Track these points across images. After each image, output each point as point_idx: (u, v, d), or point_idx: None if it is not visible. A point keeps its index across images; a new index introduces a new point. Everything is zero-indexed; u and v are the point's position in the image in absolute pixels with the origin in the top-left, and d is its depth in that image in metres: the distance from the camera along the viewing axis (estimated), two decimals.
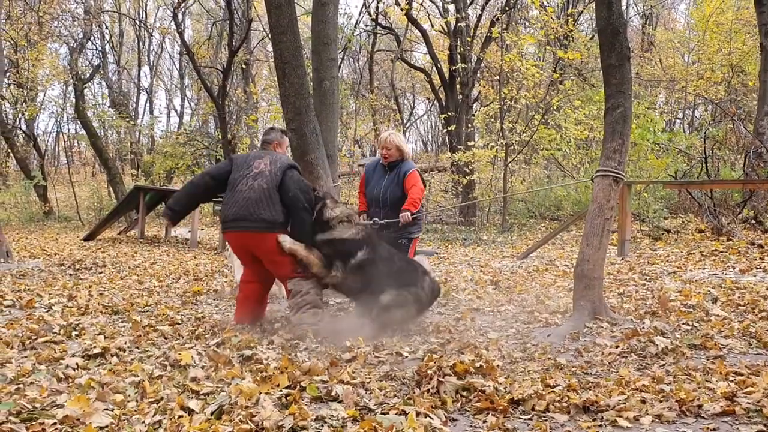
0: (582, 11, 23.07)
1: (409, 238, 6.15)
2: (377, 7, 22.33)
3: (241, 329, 5.28)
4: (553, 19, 19.03)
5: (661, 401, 3.41)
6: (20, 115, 26.95)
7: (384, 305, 5.24)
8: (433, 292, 5.59)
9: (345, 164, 23.77)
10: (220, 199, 5.62)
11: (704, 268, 8.51)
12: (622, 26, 5.49)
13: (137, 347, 4.67)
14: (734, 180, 13.05)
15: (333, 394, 3.56)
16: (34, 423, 3.07)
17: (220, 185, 5.56)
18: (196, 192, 5.70)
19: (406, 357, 4.53)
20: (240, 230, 5.30)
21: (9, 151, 26.29)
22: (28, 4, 22.95)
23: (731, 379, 3.74)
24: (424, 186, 6.27)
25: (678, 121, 25.18)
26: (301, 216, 5.33)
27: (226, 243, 7.52)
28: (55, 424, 3.06)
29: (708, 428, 3.13)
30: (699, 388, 3.61)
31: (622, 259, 9.74)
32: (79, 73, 25.67)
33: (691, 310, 5.76)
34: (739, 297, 6.30)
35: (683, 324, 5.22)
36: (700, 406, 3.33)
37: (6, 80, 22.99)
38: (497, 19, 19.98)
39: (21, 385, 3.60)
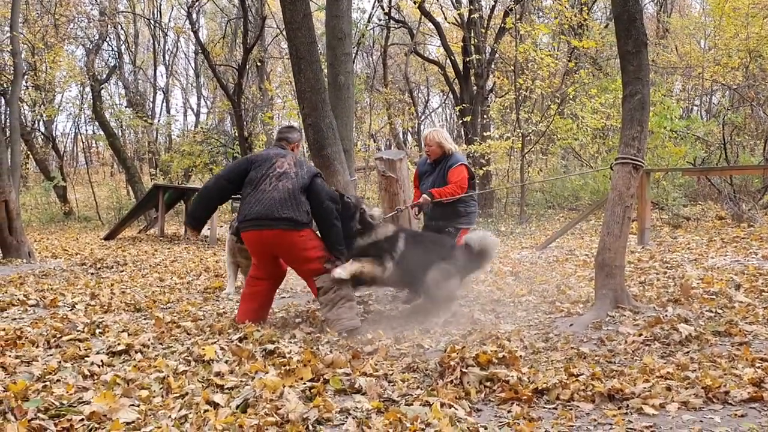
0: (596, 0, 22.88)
1: (456, 227, 6.20)
2: (390, 1, 22.28)
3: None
4: (567, 8, 18.87)
5: (686, 388, 3.39)
6: (39, 117, 27.19)
7: (431, 283, 5.49)
8: (470, 256, 5.72)
9: (361, 159, 23.76)
10: (239, 196, 5.55)
11: (726, 255, 8.42)
12: (638, 12, 5.44)
13: (161, 343, 4.71)
14: (754, 165, 12.93)
15: (356, 386, 3.57)
16: (62, 419, 3.10)
17: (237, 187, 5.46)
18: (213, 197, 5.56)
19: (428, 349, 4.54)
20: (262, 229, 5.18)
21: (29, 153, 26.53)
22: (45, 7, 23.13)
23: (758, 365, 3.71)
24: (472, 177, 6.28)
25: (695, 107, 24.91)
26: (335, 229, 5.30)
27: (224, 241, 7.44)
28: (82, 420, 3.10)
29: (735, 414, 3.11)
30: (725, 374, 3.58)
31: (643, 247, 9.68)
32: (96, 74, 25.86)
33: (714, 297, 5.70)
34: (762, 283, 6.24)
35: (706, 311, 5.17)
36: (726, 393, 3.31)
37: (24, 83, 23.21)
38: (511, 10, 19.85)
39: (48, 383, 3.64)
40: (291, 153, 5.55)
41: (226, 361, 4.10)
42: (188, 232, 5.66)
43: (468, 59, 20.03)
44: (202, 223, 5.69)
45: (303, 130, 6.63)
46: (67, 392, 3.46)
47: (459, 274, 5.68)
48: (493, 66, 21.68)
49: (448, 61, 21.82)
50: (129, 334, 4.89)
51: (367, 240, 5.48)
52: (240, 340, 4.70)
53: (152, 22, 30.99)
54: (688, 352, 4.17)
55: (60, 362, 4.11)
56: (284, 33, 7.47)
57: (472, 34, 20.02)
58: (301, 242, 5.20)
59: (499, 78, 22.99)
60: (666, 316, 4.94)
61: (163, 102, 36.43)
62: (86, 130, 36.26)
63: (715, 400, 3.29)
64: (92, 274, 9.25)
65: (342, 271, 5.19)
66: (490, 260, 6.06)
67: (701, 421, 3.07)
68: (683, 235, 10.95)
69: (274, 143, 5.83)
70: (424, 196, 6.05)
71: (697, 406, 3.22)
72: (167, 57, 35.58)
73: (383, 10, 22.43)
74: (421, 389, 3.57)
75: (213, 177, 5.75)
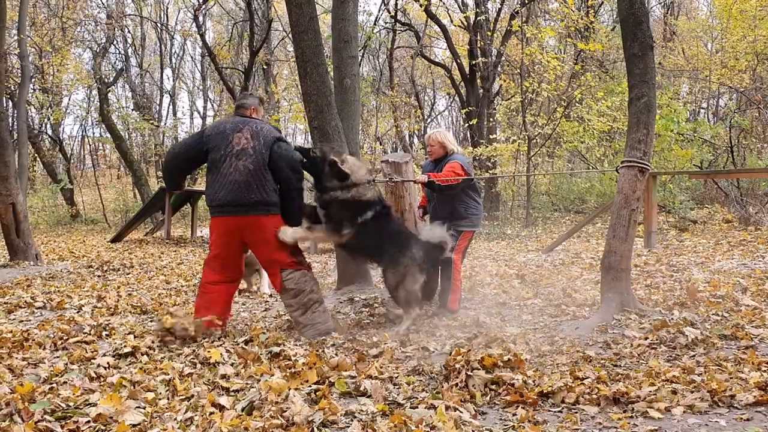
0: (602, 2, 22.85)
1: (458, 230, 6.09)
2: (396, 4, 22.29)
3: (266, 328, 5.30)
4: (573, 11, 18.87)
5: (692, 392, 3.38)
6: (46, 120, 27.32)
7: (392, 286, 5.41)
8: (426, 250, 5.48)
9: (367, 161, 23.77)
10: None
11: (733, 258, 8.40)
12: (644, 15, 5.44)
13: (167, 346, 4.72)
14: (761, 168, 12.88)
15: (362, 389, 3.57)
16: (68, 421, 3.12)
17: (198, 163, 5.27)
18: (175, 176, 5.37)
19: (433, 352, 4.54)
20: (231, 215, 4.94)
21: (36, 155, 26.64)
22: (52, 11, 23.24)
23: (764, 369, 3.70)
24: (469, 176, 6.22)
25: (702, 110, 24.85)
26: (292, 202, 5.06)
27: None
28: (88, 422, 3.11)
29: (741, 418, 3.10)
30: (731, 378, 3.57)
31: (649, 250, 9.65)
32: (103, 76, 25.96)
33: (720, 300, 5.69)
34: None
35: (713, 314, 5.16)
36: (732, 396, 3.30)
37: (31, 86, 23.31)
38: (517, 13, 19.85)
39: (54, 385, 3.66)
40: (248, 122, 5.09)
41: (232, 364, 4.11)
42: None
43: (474, 62, 20.02)
44: (180, 186, 5.49)
45: (309, 133, 6.58)
46: (74, 394, 3.48)
47: (418, 271, 5.42)
48: (499, 69, 21.67)
49: (455, 64, 21.81)
50: (135, 337, 4.90)
51: (344, 195, 5.19)
52: (246, 342, 4.71)
53: (159, 25, 31.09)
54: (694, 355, 4.16)
55: (67, 364, 4.13)
56: (290, 36, 7.48)
57: (479, 37, 20.02)
58: (272, 226, 4.98)
59: (505, 81, 22.98)
60: (672, 319, 4.93)
61: (169, 105, 36.60)
62: (93, 133, 36.39)
63: (721, 403, 3.28)
64: (99, 276, 9.29)
65: (287, 233, 5.00)
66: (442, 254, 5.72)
67: (707, 424, 3.06)
68: (690, 239, 10.92)
69: (234, 113, 5.43)
70: (422, 176, 5.98)
71: (702, 409, 3.21)
72: (174, 60, 35.72)
73: (389, 13, 22.44)
74: (427, 392, 3.57)
75: (169, 153, 5.49)
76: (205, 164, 5.15)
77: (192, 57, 38.85)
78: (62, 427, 3.05)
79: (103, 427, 3.07)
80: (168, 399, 3.48)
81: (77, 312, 6.19)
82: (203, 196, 6.10)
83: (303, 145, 5.53)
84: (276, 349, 4.37)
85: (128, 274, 9.52)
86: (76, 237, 18.58)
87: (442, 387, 3.63)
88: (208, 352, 4.26)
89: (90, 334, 5.06)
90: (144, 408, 3.30)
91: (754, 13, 17.61)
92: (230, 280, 5.22)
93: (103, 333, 5.14)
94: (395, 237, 5.44)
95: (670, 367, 3.87)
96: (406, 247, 5.41)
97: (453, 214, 6.05)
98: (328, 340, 4.86)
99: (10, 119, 19.20)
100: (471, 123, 20.12)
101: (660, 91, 17.16)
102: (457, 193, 6.01)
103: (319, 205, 5.29)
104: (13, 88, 20.46)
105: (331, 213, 5.23)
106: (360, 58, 17.08)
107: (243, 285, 7.94)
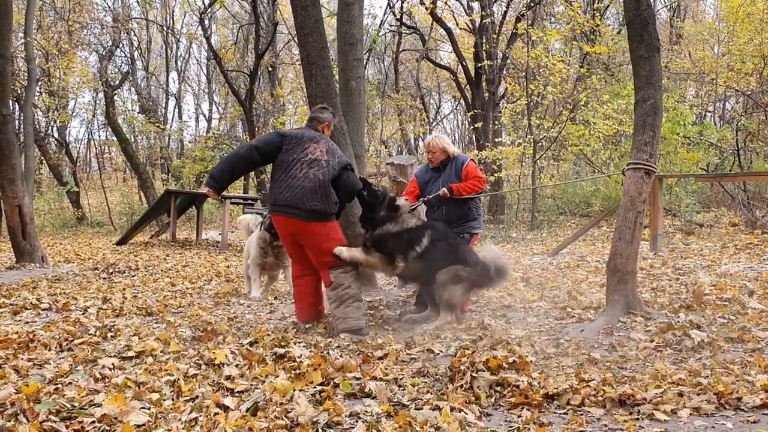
0: (608, 5, 22.83)
1: (471, 233, 6.14)
2: (402, 7, 22.33)
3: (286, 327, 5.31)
4: (579, 14, 18.85)
5: (698, 394, 3.37)
6: (52, 123, 27.43)
7: (441, 282, 5.46)
8: (485, 271, 5.61)
9: (372, 164, 23.79)
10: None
11: (739, 262, 8.37)
12: (650, 17, 5.43)
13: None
14: None
15: (366, 390, 3.56)
16: (73, 421, 3.11)
17: (266, 160, 5.51)
18: (241, 165, 5.53)
19: (438, 354, 4.53)
20: (291, 217, 5.25)
21: (42, 158, 26.75)
22: (59, 14, 23.33)
23: None
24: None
25: (709, 113, 24.78)
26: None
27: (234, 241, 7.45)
28: (93, 422, 3.11)
29: (748, 420, 3.09)
30: (737, 381, 3.56)
31: (655, 254, 9.62)
32: (109, 80, 26.08)
33: (726, 303, 5.67)
34: None
35: (719, 317, 5.14)
36: (739, 399, 3.29)
37: (38, 89, 23.40)
38: (523, 16, 19.85)
39: (60, 385, 3.66)
40: (324, 138, 5.50)
41: (237, 365, 4.11)
42: (206, 189, 5.54)
43: (480, 65, 20.03)
44: (223, 188, 5.57)
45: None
46: (79, 395, 3.47)
47: (470, 285, 5.63)
48: (504, 72, 21.67)
49: (460, 66, 21.83)
50: (140, 338, 4.91)
51: (393, 227, 5.49)
52: (251, 344, 4.71)
53: (165, 28, 31.19)
54: (700, 358, 4.14)
55: (72, 365, 4.13)
56: (296, 39, 7.49)
57: (484, 40, 20.02)
58: (326, 233, 5.32)
59: (510, 84, 22.96)
60: (678, 322, 4.91)
61: (175, 108, 36.69)
62: (99, 136, 36.59)
63: (728, 406, 3.26)
64: (104, 278, 9.30)
65: (342, 251, 5.30)
66: (503, 281, 5.93)
67: (713, 427, 3.04)
68: (696, 242, 10.88)
69: (306, 123, 5.78)
70: (443, 189, 5.95)
71: (709, 412, 3.20)
72: (179, 63, 35.86)
73: (395, 15, 22.49)
74: (431, 393, 3.56)
75: (246, 145, 5.67)
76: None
77: (197, 60, 39.02)
78: (67, 427, 3.05)
79: (107, 428, 3.07)
80: (173, 400, 3.48)
81: (82, 313, 6.20)
82: (208, 199, 6.19)
83: (367, 180, 5.89)
84: (281, 351, 4.36)
85: (133, 276, 9.53)
86: (81, 239, 18.62)
87: (447, 388, 3.62)
88: (213, 353, 4.25)
89: (95, 336, 5.06)
90: (149, 408, 3.29)
91: (761, 16, 17.57)
92: (312, 272, 5.60)
93: (108, 334, 5.14)
94: (456, 256, 5.55)
95: (676, 369, 3.85)
96: (467, 263, 5.54)
97: (467, 216, 6.07)
98: (333, 342, 4.86)
99: (16, 122, 19.26)
100: (476, 126, 20.12)
101: (666, 94, 17.14)
102: (470, 198, 6.03)
103: (372, 240, 5.52)
104: (19, 91, 20.55)
105: (389, 245, 5.47)
106: (365, 60, 17.09)
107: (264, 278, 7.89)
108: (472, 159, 6.19)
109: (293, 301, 7.12)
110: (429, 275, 5.53)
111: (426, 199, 6.12)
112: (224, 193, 6.47)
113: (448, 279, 5.45)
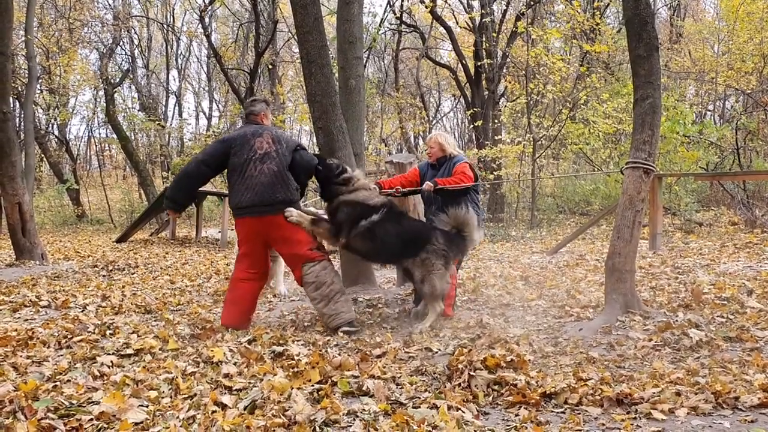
0: (608, 4, 22.80)
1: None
2: (402, 5, 22.30)
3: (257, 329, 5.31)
4: (579, 13, 18.83)
5: (696, 393, 3.37)
6: (53, 121, 27.42)
7: (419, 279, 5.42)
8: (452, 241, 5.57)
9: (372, 163, 23.78)
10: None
11: (738, 261, 8.37)
12: (649, 16, 5.42)
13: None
14: None
15: (364, 388, 3.57)
16: (71, 419, 3.12)
17: (216, 170, 5.54)
18: (192, 182, 5.52)
19: (437, 352, 4.54)
20: (257, 216, 5.24)
21: (42, 156, 26.73)
22: (59, 12, 23.32)
23: None
24: (476, 179, 6.20)
25: (708, 112, 24.77)
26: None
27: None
28: (91, 420, 3.11)
29: (745, 420, 3.09)
30: (735, 380, 3.56)
31: (654, 252, 9.63)
32: (109, 77, 26.05)
33: (725, 302, 5.67)
34: None
35: (718, 316, 5.14)
36: (736, 398, 3.29)
37: (38, 86, 23.39)
38: (523, 14, 19.84)
39: (58, 383, 3.67)
40: (266, 128, 5.48)
41: (235, 363, 4.11)
42: (169, 213, 5.70)
43: (479, 63, 20.01)
44: (183, 206, 5.75)
45: (314, 133, 6.62)
46: (77, 392, 3.48)
47: (444, 264, 5.50)
48: (504, 70, 21.66)
49: (460, 65, 21.81)
50: (139, 336, 4.91)
51: (349, 197, 5.46)
52: (249, 342, 4.72)
53: (165, 26, 31.16)
54: (698, 357, 4.14)
55: (70, 362, 4.14)
56: (296, 37, 7.48)
57: (484, 39, 20.01)
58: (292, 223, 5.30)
59: (510, 82, 22.96)
60: (676, 321, 4.92)
61: (175, 105, 36.66)
62: (99, 134, 36.48)
63: (725, 405, 3.27)
64: (104, 276, 9.31)
65: (291, 213, 5.27)
66: (474, 241, 5.79)
67: (710, 426, 3.05)
68: (695, 241, 10.89)
69: (244, 120, 5.81)
70: (428, 183, 5.97)
71: (706, 411, 3.20)
72: (180, 61, 35.80)
73: (395, 14, 22.45)
74: (429, 392, 3.56)
75: (193, 161, 5.59)
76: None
77: (198, 58, 38.96)
78: (65, 424, 3.05)
79: (105, 425, 3.07)
80: (171, 397, 3.48)
81: (82, 311, 6.21)
82: (208, 196, 6.20)
83: (320, 155, 5.95)
84: (279, 349, 4.37)
85: (133, 274, 9.54)
86: (81, 237, 18.62)
87: (445, 387, 3.62)
88: (212, 351, 4.26)
89: (94, 333, 5.06)
90: (147, 406, 3.30)
91: (761, 15, 17.56)
92: (258, 278, 5.54)
93: (107, 332, 5.15)
94: (412, 235, 5.51)
95: (674, 368, 3.85)
96: (427, 242, 5.47)
97: None
98: (332, 340, 4.87)
99: (17, 119, 19.27)
100: (476, 124, 20.11)
101: (666, 93, 17.15)
102: (464, 194, 6.00)
103: (328, 212, 5.56)
104: (20, 89, 20.55)
105: (338, 216, 5.44)
106: (365, 59, 17.08)
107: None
108: (467, 161, 6.17)
109: (292, 299, 7.15)
110: (379, 251, 5.54)
111: (405, 190, 6.21)
112: (223, 190, 6.49)
113: (423, 272, 5.40)
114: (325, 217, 5.60)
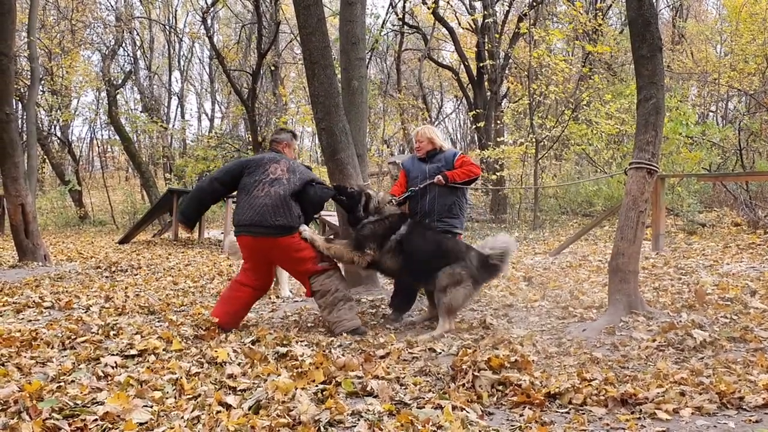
0: (611, 5, 22.80)
1: (452, 232, 5.97)
2: (404, 6, 22.30)
3: (270, 327, 5.31)
4: (581, 14, 18.83)
5: (700, 394, 3.37)
6: (55, 122, 27.45)
7: (443, 287, 5.26)
8: (484, 265, 5.41)
9: (374, 163, 23.78)
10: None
11: (741, 262, 8.36)
12: (653, 17, 5.42)
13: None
14: None
15: (368, 389, 3.56)
16: (75, 419, 3.12)
17: (229, 189, 5.63)
18: (206, 198, 5.63)
19: (440, 353, 4.54)
20: (256, 236, 5.29)
21: (45, 157, 26.78)
22: (62, 13, 23.36)
23: None
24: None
25: (711, 113, 24.75)
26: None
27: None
28: (96, 420, 3.11)
29: (750, 420, 3.09)
30: (739, 380, 3.56)
31: (657, 253, 9.61)
32: (112, 79, 26.09)
33: (729, 303, 5.66)
34: None
35: (721, 317, 5.14)
36: (741, 398, 3.29)
37: (41, 88, 23.42)
38: (525, 15, 19.84)
39: (62, 383, 3.67)
40: (285, 158, 5.58)
41: (239, 364, 4.12)
42: (180, 227, 5.79)
43: (482, 64, 20.02)
44: (194, 223, 5.76)
45: (317, 134, 6.62)
46: (81, 393, 3.48)
47: (474, 284, 5.36)
48: (507, 71, 21.64)
49: (462, 66, 21.81)
50: (142, 337, 4.91)
51: (376, 217, 5.51)
52: (253, 342, 4.72)
53: (167, 27, 31.19)
54: (702, 357, 4.14)
55: (74, 363, 4.14)
56: (298, 38, 7.49)
57: (486, 40, 20.01)
58: (295, 244, 5.31)
59: (513, 83, 22.94)
60: (680, 321, 4.91)
61: (177, 107, 36.72)
62: (102, 135, 36.50)
63: (730, 405, 3.26)
64: (107, 277, 9.32)
65: (305, 230, 5.33)
66: (505, 267, 5.70)
67: (715, 426, 3.04)
68: (698, 242, 10.87)
69: (268, 148, 5.91)
70: (438, 177, 5.80)
71: (711, 411, 3.20)
72: (182, 62, 35.84)
73: (397, 15, 22.46)
74: (433, 392, 3.56)
75: (207, 178, 5.75)
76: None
77: (200, 59, 38.98)
78: (69, 425, 3.06)
79: (110, 426, 3.07)
80: (175, 398, 3.49)
81: (85, 312, 6.21)
82: None
83: (340, 185, 6.01)
84: (283, 350, 4.37)
85: (136, 275, 9.55)
86: (84, 238, 18.64)
87: (449, 387, 3.62)
88: (216, 352, 4.27)
89: (98, 334, 5.07)
90: (151, 407, 3.30)
91: (764, 15, 17.54)
92: (258, 287, 5.58)
93: (111, 333, 5.15)
94: (443, 252, 5.43)
95: (678, 369, 3.85)
96: (461, 259, 5.38)
97: (449, 211, 5.92)
98: (335, 341, 4.87)
99: (19, 121, 19.29)
100: (478, 125, 20.12)
101: (669, 94, 17.11)
102: (459, 188, 5.94)
103: (355, 240, 5.50)
104: (22, 90, 20.58)
105: (361, 234, 5.46)
106: (367, 60, 17.09)
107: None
108: (464, 154, 6.13)
109: (295, 300, 7.15)
110: (412, 268, 5.43)
111: (416, 188, 5.95)
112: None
113: (450, 282, 5.24)
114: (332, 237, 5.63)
